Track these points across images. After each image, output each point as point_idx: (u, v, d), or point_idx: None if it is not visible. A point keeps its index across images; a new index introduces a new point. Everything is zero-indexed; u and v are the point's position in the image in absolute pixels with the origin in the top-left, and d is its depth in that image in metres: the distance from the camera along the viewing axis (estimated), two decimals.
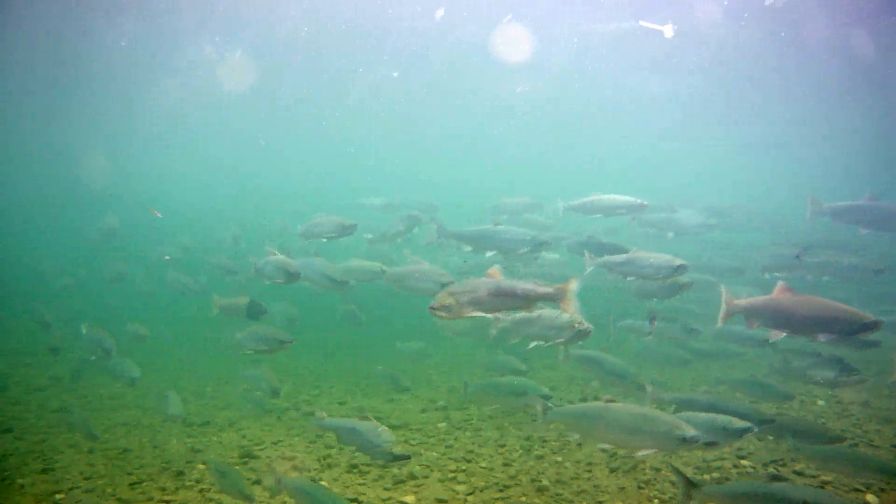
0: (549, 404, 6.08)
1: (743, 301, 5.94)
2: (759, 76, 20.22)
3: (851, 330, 5.37)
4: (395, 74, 21.31)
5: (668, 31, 16.65)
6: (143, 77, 20.63)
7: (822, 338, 5.49)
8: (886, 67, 18.03)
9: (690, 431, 4.97)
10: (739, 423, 5.63)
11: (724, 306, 5.97)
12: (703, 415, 5.85)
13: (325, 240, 9.30)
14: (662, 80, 21.40)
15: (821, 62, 18.16)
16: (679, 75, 20.77)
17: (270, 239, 15.28)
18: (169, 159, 34.66)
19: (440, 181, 36.39)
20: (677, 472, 5.32)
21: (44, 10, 14.95)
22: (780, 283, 5.79)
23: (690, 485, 5.15)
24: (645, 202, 8.88)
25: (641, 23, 17.38)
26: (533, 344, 6.76)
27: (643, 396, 7.38)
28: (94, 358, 9.09)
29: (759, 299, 5.87)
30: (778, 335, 5.75)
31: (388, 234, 11.27)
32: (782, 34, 15.85)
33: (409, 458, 6.22)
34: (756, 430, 5.74)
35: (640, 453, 5.25)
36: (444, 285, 7.47)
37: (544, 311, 6.63)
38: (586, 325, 6.48)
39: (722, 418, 5.72)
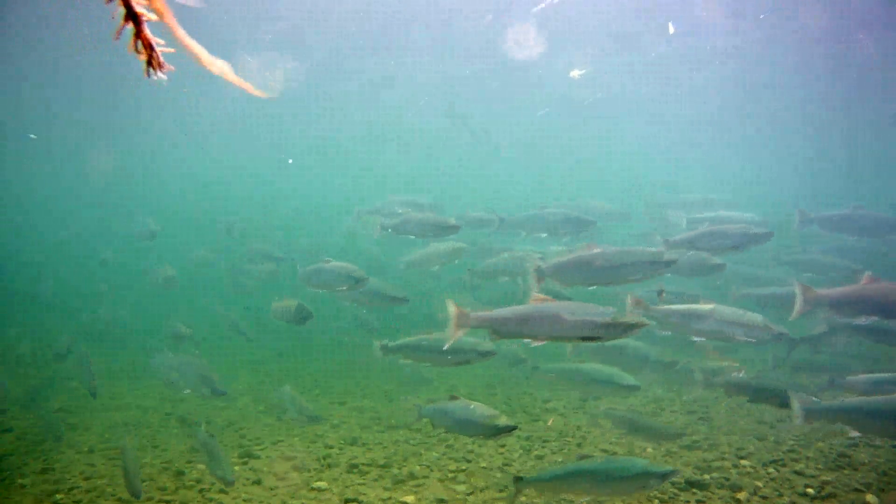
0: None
1: (828, 292, 6.10)
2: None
3: None
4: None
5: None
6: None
7: None
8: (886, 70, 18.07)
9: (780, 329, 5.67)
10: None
11: (800, 298, 6.06)
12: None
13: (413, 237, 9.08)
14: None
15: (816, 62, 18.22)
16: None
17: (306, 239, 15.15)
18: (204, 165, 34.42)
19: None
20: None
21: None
22: (867, 274, 6.04)
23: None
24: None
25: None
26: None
27: (691, 382, 7.31)
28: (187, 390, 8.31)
29: (848, 289, 6.04)
30: (866, 320, 6.03)
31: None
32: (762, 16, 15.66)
33: (516, 427, 5.81)
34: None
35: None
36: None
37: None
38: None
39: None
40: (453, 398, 5.99)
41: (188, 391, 7.81)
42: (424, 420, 7.20)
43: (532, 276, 6.39)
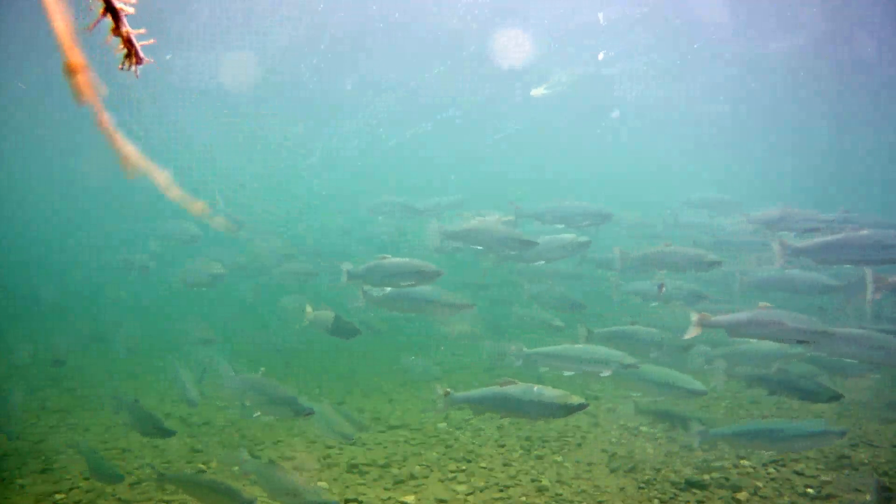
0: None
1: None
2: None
3: None
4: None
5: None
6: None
7: None
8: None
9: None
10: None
11: (871, 286, 6.24)
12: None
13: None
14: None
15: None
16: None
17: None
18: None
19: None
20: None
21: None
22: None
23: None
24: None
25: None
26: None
27: (714, 372, 7.33)
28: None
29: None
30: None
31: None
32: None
33: (587, 405, 5.80)
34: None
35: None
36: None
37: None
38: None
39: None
40: (507, 382, 5.88)
41: (257, 414, 7.04)
42: (423, 420, 7.20)
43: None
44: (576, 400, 5.59)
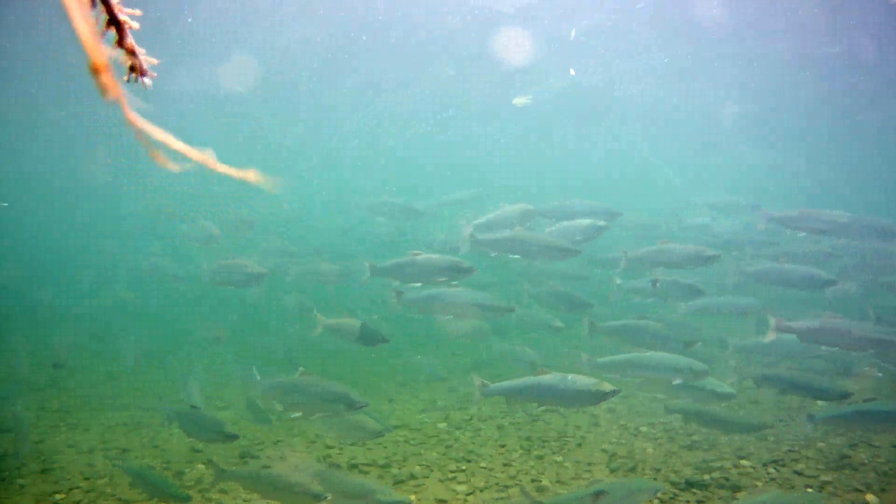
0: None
1: None
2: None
3: None
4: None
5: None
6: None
7: None
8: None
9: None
10: None
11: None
12: None
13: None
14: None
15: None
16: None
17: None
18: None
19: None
20: None
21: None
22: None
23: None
24: None
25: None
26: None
27: (728, 370, 7.35)
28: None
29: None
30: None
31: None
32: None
33: (619, 391, 5.83)
34: None
35: None
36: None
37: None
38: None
39: None
40: (542, 372, 5.92)
41: (296, 415, 6.77)
42: (422, 420, 7.15)
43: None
44: (608, 387, 5.68)
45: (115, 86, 1.10)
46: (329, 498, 5.22)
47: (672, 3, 15.16)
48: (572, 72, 19.86)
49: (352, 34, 17.84)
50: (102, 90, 1.09)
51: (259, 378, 6.71)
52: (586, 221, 8.49)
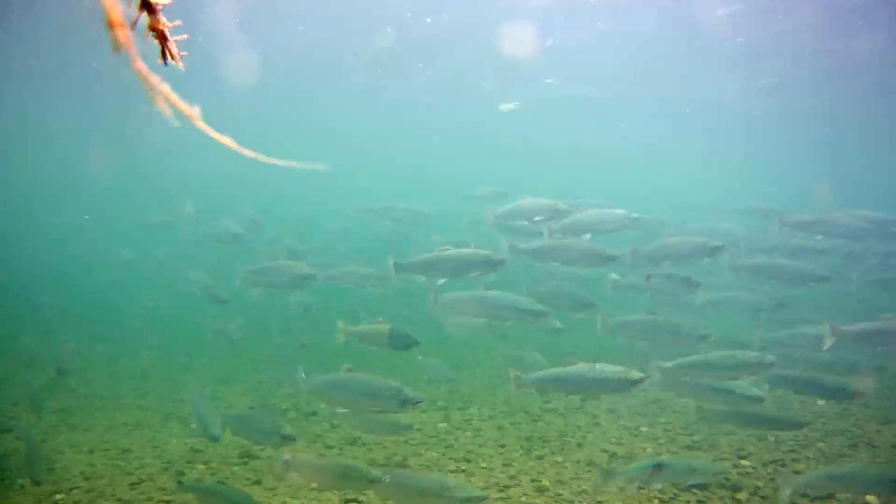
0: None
1: None
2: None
3: None
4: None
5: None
6: None
7: None
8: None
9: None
10: None
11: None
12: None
13: None
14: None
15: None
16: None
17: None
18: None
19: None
20: None
21: None
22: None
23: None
24: None
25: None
26: None
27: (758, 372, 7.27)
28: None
29: None
30: None
31: None
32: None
33: (647, 378, 6.04)
34: None
35: None
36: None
37: None
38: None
39: None
40: (571, 363, 6.08)
41: (342, 411, 6.59)
42: (422, 420, 7.12)
43: None
44: (636, 374, 5.86)
45: (128, 41, 1.19)
46: (386, 480, 5.22)
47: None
48: (548, 81, 20.13)
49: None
50: (115, 44, 1.18)
51: (304, 375, 6.44)
52: (621, 212, 8.39)
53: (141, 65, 1.21)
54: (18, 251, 25.05)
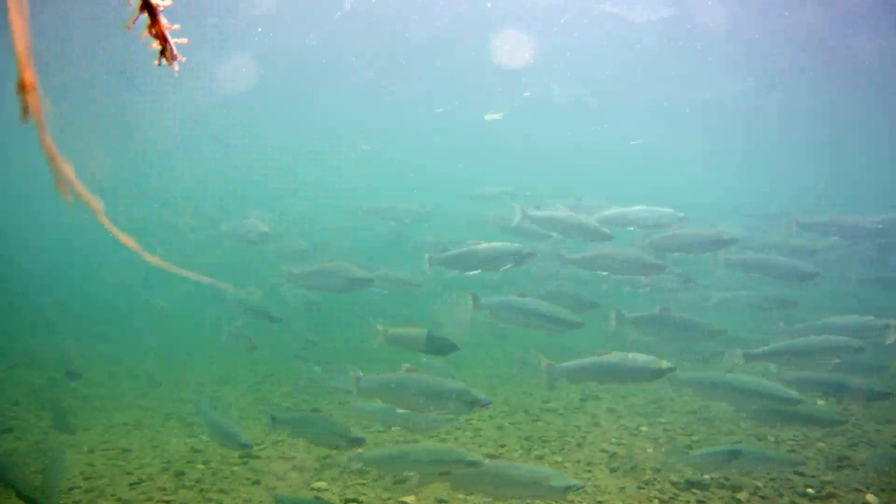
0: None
1: None
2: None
3: None
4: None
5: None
6: None
7: None
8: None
9: None
10: None
11: None
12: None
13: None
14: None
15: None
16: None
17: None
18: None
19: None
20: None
21: None
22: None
23: None
24: None
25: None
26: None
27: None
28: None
29: None
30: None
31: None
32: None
33: (675, 368, 6.21)
34: None
35: None
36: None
37: None
38: None
39: None
40: (603, 353, 6.23)
41: (401, 411, 6.49)
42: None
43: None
44: (665, 364, 6.03)
45: (38, 108, 1.10)
46: (486, 463, 5.26)
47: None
48: (527, 93, 20.37)
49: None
50: (24, 109, 1.08)
51: (360, 374, 6.24)
52: (667, 210, 8.57)
53: (49, 142, 1.11)
54: (18, 251, 25.06)
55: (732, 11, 14.92)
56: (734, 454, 5.86)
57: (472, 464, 5.25)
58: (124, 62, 16.41)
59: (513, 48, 17.36)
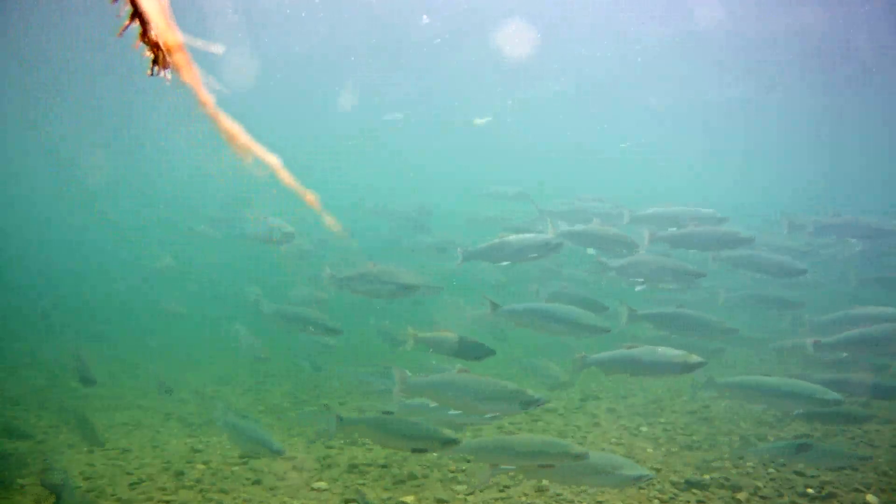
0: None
1: None
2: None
3: None
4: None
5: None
6: None
7: None
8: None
9: None
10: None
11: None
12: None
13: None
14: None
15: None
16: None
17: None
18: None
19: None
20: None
21: None
22: None
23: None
24: None
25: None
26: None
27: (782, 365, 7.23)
28: None
29: None
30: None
31: None
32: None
33: (706, 362, 6.29)
34: None
35: None
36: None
37: None
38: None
39: None
40: (633, 346, 6.29)
41: (453, 412, 6.28)
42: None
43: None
44: (695, 359, 6.05)
45: (190, 67, 1.11)
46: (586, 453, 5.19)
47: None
48: (510, 102, 20.54)
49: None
50: (177, 71, 1.11)
51: (410, 375, 6.03)
52: (709, 210, 8.78)
53: (209, 99, 1.11)
54: (19, 251, 25.05)
55: (732, 11, 14.93)
56: (804, 448, 5.86)
57: (578, 457, 5.10)
58: (131, 65, 16.43)
59: (512, 48, 17.37)
